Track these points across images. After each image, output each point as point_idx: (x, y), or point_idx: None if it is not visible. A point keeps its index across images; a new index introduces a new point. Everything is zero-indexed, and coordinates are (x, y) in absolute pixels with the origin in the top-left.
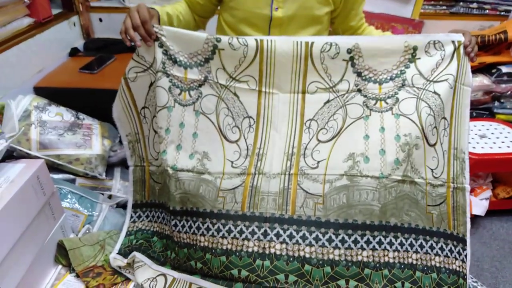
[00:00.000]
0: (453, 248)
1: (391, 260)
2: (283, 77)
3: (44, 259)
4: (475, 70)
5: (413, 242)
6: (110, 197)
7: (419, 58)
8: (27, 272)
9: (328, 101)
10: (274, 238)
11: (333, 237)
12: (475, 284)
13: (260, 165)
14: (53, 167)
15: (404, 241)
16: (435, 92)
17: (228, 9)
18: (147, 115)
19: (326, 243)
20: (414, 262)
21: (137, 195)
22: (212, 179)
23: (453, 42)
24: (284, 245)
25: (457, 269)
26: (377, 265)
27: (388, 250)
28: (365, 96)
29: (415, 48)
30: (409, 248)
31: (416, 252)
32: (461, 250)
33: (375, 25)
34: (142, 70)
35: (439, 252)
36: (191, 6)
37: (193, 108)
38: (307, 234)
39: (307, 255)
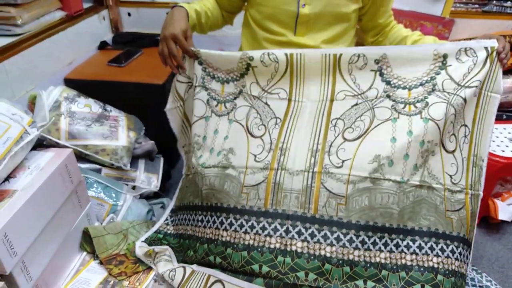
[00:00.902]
0: (468, 254)
1: (409, 263)
2: (312, 88)
3: (70, 245)
4: (507, 71)
5: (434, 245)
6: (134, 188)
7: (450, 65)
8: (53, 257)
9: (356, 104)
10: (296, 236)
11: (354, 238)
12: (488, 283)
13: (283, 160)
14: (80, 157)
15: (423, 244)
16: (464, 99)
17: (255, 5)
18: None
19: (347, 244)
20: (436, 265)
21: (177, 201)
22: (236, 175)
23: (485, 48)
24: (305, 243)
25: (464, 273)
26: (394, 267)
27: (405, 253)
28: (394, 100)
29: (445, 56)
30: (429, 252)
31: (437, 256)
32: (469, 256)
33: (403, 23)
34: (190, 87)
35: (458, 256)
36: (219, 2)
37: (228, 118)
38: (328, 234)
39: (328, 254)
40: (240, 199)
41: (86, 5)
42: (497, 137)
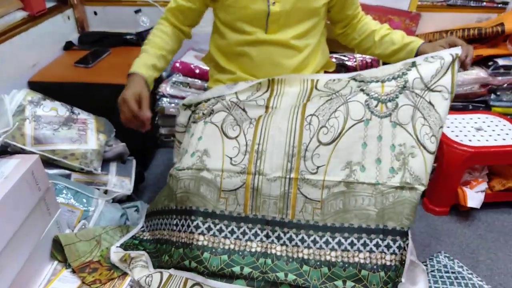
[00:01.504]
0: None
1: (388, 263)
2: (290, 100)
3: (40, 254)
4: (472, 63)
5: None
6: (106, 192)
7: (420, 64)
8: (22, 268)
9: (330, 99)
10: (275, 240)
11: (330, 239)
12: (470, 275)
13: (259, 164)
14: (48, 162)
15: (402, 244)
16: (430, 103)
17: (224, 8)
18: None
19: (324, 245)
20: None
21: (151, 205)
22: (211, 178)
23: (451, 54)
24: (284, 247)
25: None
26: (374, 267)
27: (385, 253)
28: (367, 94)
29: (414, 63)
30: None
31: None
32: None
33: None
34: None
35: None
36: (180, 16)
37: (204, 120)
38: (305, 237)
39: (305, 257)
40: (218, 204)
41: (49, 5)
42: (464, 127)
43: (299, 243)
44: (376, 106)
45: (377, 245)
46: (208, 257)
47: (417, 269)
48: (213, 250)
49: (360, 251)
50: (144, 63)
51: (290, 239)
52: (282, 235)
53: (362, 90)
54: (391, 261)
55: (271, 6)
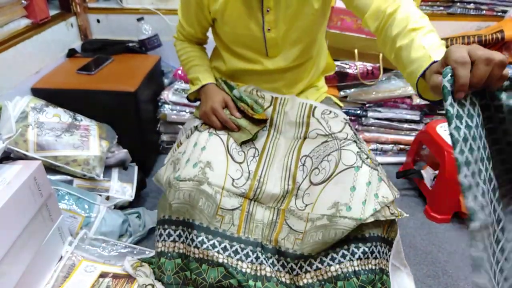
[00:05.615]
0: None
1: (356, 268)
2: (288, 127)
3: (41, 261)
4: None
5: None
6: (107, 198)
7: None
8: (24, 274)
9: (325, 142)
10: (264, 262)
11: (303, 263)
12: None
13: (259, 193)
14: (50, 169)
15: (366, 250)
16: None
17: (223, 32)
18: None
19: (299, 271)
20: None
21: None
22: (212, 193)
23: None
24: (272, 268)
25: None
26: (347, 275)
27: (352, 260)
28: (359, 148)
29: None
30: (370, 255)
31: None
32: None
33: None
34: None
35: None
36: (199, 38)
37: (208, 131)
38: (285, 263)
39: (288, 281)
40: (214, 220)
41: (52, 12)
42: None
43: (281, 269)
44: (366, 158)
45: (343, 256)
46: (207, 268)
47: (403, 274)
48: (209, 262)
49: (330, 265)
50: (206, 72)
51: (273, 264)
52: (268, 258)
53: (355, 141)
54: (358, 266)
55: (266, 33)
